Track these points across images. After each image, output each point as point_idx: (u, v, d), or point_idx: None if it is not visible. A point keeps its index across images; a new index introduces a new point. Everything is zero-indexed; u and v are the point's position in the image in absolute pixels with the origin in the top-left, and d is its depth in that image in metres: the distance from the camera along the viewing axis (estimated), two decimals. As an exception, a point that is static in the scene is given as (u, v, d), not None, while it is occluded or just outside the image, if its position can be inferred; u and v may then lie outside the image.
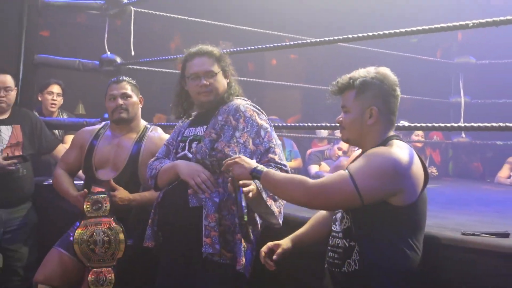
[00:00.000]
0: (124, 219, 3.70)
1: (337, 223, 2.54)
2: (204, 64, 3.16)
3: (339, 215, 2.55)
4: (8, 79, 4.66)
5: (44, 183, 4.87)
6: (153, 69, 5.70)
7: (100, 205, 3.71)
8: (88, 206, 3.72)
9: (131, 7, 5.37)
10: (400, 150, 2.38)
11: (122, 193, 3.71)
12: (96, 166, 3.98)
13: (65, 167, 4.14)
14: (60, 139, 5.42)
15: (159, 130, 4.06)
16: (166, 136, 3.82)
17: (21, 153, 4.57)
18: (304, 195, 2.37)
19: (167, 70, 5.56)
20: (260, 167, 2.54)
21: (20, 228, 4.57)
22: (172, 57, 5.01)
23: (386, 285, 2.36)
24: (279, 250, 2.81)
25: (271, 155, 3.01)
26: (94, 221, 3.66)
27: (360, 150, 2.73)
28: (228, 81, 3.24)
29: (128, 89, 3.97)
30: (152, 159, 3.34)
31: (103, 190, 3.77)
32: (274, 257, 2.81)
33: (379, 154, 2.36)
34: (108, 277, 3.60)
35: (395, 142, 2.45)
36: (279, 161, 3.01)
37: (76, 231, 3.64)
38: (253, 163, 2.59)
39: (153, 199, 3.48)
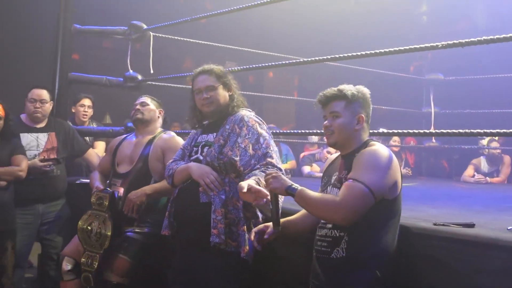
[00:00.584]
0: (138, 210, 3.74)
1: None
2: (205, 80, 3.20)
3: None
4: (44, 93, 4.68)
5: (76, 182, 4.86)
6: (168, 84, 5.71)
7: (101, 201, 3.77)
8: (94, 200, 3.81)
9: (150, 32, 5.38)
10: (384, 147, 2.46)
11: (137, 192, 3.72)
12: (118, 162, 4.02)
13: (99, 169, 4.21)
14: (90, 144, 5.42)
15: (172, 133, 4.06)
16: (176, 137, 3.95)
17: (55, 157, 4.60)
18: (336, 214, 2.32)
19: (180, 86, 5.56)
20: (295, 185, 2.47)
21: (55, 221, 4.60)
22: (184, 74, 5.02)
23: (371, 269, 2.36)
24: (269, 230, 2.78)
25: (268, 159, 2.99)
26: (95, 213, 3.76)
27: (334, 156, 2.80)
28: (231, 93, 3.25)
29: (148, 100, 4.07)
30: (170, 161, 3.36)
31: (108, 189, 3.84)
32: (265, 236, 2.79)
33: (375, 154, 2.41)
34: (93, 263, 3.68)
35: (374, 142, 2.52)
36: (276, 164, 2.99)
37: (81, 218, 3.80)
38: (288, 180, 2.53)
39: (165, 188, 3.59)
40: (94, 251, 3.73)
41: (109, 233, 3.69)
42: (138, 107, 4.04)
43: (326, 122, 2.60)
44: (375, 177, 2.33)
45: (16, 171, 4.21)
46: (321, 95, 2.62)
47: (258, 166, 2.97)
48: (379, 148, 2.44)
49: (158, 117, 4.10)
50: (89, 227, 3.76)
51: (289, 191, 2.45)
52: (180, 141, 3.91)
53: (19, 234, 4.38)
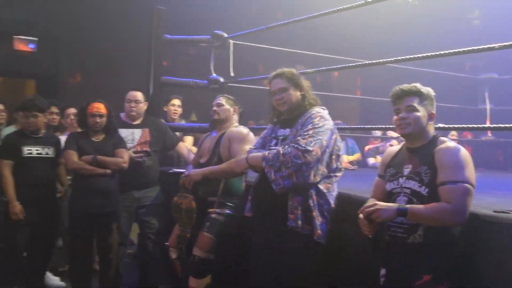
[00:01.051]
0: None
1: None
2: (277, 83, 3.22)
3: (404, 198, 2.49)
4: (139, 94, 4.78)
5: (169, 171, 4.92)
6: (246, 86, 5.74)
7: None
8: (181, 183, 3.94)
9: (230, 40, 5.40)
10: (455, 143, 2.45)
11: (196, 171, 3.88)
12: (201, 154, 4.11)
13: (193, 162, 4.30)
14: (180, 138, 5.52)
15: (241, 127, 4.05)
16: (241, 129, 3.97)
17: (147, 149, 4.69)
18: (454, 218, 2.27)
19: (256, 87, 5.58)
20: (401, 205, 2.38)
21: (150, 205, 4.68)
22: (260, 77, 5.04)
23: (446, 254, 2.33)
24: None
25: (298, 138, 2.95)
26: (183, 195, 3.89)
27: (395, 148, 2.77)
28: (302, 93, 3.22)
29: (223, 101, 4.08)
30: (252, 147, 3.39)
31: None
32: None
33: (459, 150, 2.38)
34: (186, 235, 3.86)
35: (444, 138, 2.51)
36: (301, 144, 2.92)
37: (173, 199, 3.94)
38: (390, 204, 2.43)
39: (221, 170, 3.73)
40: (185, 227, 3.85)
41: (195, 207, 3.82)
42: (215, 108, 4.07)
43: (401, 114, 2.54)
44: (469, 173, 2.31)
45: (121, 162, 4.33)
46: (397, 89, 2.58)
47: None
48: (457, 145, 2.42)
49: (233, 114, 4.10)
50: (178, 207, 3.87)
51: (400, 213, 2.35)
52: (244, 131, 3.94)
53: (121, 216, 4.52)
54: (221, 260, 3.82)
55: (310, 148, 2.89)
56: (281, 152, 2.93)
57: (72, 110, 5.32)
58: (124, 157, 4.36)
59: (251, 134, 3.97)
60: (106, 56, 7.87)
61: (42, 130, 4.45)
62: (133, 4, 7.38)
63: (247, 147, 3.62)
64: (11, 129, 5.09)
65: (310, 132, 2.95)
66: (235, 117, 4.12)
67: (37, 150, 4.35)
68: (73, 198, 4.38)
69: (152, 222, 4.67)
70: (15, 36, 8.24)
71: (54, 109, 5.35)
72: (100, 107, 4.33)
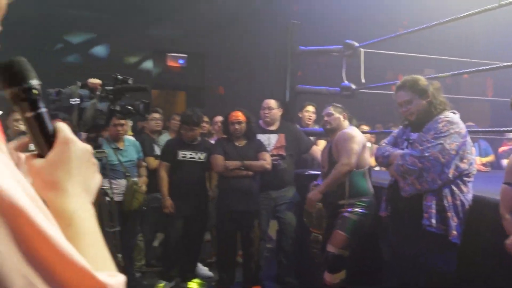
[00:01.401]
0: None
1: None
2: (401, 96, 3.18)
3: None
4: (272, 102, 5.01)
5: (304, 173, 5.03)
6: (376, 91, 5.76)
7: None
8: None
9: (361, 49, 5.46)
10: None
11: (314, 193, 3.92)
12: (323, 164, 4.20)
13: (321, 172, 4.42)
14: (314, 142, 5.63)
15: (348, 129, 4.07)
16: (350, 130, 3.99)
17: (282, 153, 4.87)
18: None
19: (386, 92, 5.58)
20: None
21: (287, 203, 4.84)
22: (389, 83, 5.05)
23: None
24: None
25: (417, 144, 2.99)
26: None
27: None
28: (429, 99, 3.13)
29: (332, 110, 4.14)
30: (384, 144, 3.44)
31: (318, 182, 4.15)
32: None
33: None
34: (318, 239, 4.03)
35: None
36: (417, 150, 2.95)
37: (304, 206, 4.11)
38: None
39: (333, 180, 3.81)
40: (317, 233, 4.03)
41: (324, 213, 3.97)
42: (325, 118, 4.15)
43: None
44: None
45: (265, 164, 4.59)
46: None
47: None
48: None
49: (343, 120, 4.15)
50: (310, 212, 4.04)
51: None
52: (350, 131, 3.97)
53: (261, 214, 4.76)
54: (355, 257, 3.88)
55: (426, 154, 2.89)
56: (400, 162, 2.98)
57: (219, 118, 5.70)
58: (267, 159, 4.61)
59: (358, 134, 4.00)
60: (246, 68, 8.28)
61: (198, 138, 4.88)
62: (270, 20, 7.70)
63: (355, 146, 3.74)
64: (166, 136, 5.65)
65: (430, 137, 2.94)
66: (346, 123, 4.16)
67: (190, 155, 4.78)
68: (219, 198, 4.75)
69: (288, 219, 4.82)
70: (168, 54, 9.00)
71: (205, 118, 5.77)
72: (238, 115, 4.61)
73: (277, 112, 5.02)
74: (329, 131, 4.16)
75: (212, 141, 5.14)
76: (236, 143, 4.65)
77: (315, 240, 4.10)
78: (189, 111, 4.88)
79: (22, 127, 4.63)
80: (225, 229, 4.65)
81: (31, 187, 0.59)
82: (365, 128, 6.56)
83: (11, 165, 0.56)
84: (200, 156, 4.81)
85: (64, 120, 3.81)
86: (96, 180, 0.81)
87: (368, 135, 6.00)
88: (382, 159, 3.30)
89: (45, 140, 0.76)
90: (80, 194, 0.75)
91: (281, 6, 8.01)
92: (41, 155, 0.76)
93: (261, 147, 4.69)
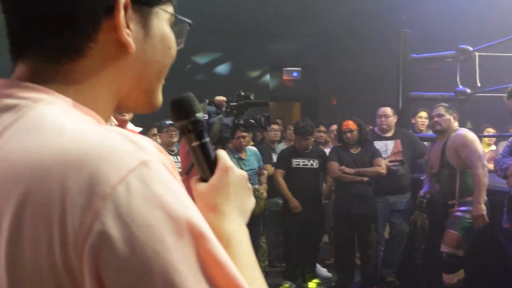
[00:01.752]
0: None
1: None
2: None
3: None
4: (388, 110, 4.98)
5: (420, 177, 4.88)
6: (491, 94, 5.47)
7: (422, 204, 4.16)
8: (418, 203, 4.23)
9: (476, 53, 5.24)
10: None
11: (477, 209, 3.68)
12: (430, 165, 4.15)
13: (427, 173, 4.39)
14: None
15: (461, 131, 3.96)
16: (465, 132, 3.87)
17: (400, 158, 4.84)
18: None
19: (502, 95, 5.28)
20: None
21: (402, 210, 4.80)
22: (505, 86, 4.76)
23: None
24: None
25: None
26: (419, 214, 4.18)
27: None
28: None
29: (442, 111, 4.04)
30: (500, 155, 3.31)
31: (426, 195, 4.17)
32: None
33: None
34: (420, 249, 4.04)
35: None
36: None
37: (410, 218, 4.25)
38: None
39: (482, 190, 3.62)
40: (420, 244, 4.06)
41: (427, 226, 4.00)
42: (436, 119, 4.05)
43: None
44: None
45: (380, 170, 4.59)
46: None
47: None
48: None
49: (453, 122, 4.03)
50: (415, 223, 4.04)
51: None
52: (466, 134, 3.85)
53: (378, 218, 4.75)
54: (473, 256, 3.77)
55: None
56: None
57: (334, 127, 5.77)
58: (381, 165, 4.61)
59: (472, 134, 3.89)
60: (358, 77, 8.25)
61: (310, 146, 5.00)
62: (380, 30, 7.63)
63: (479, 148, 3.63)
64: (282, 145, 5.83)
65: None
66: (456, 124, 4.05)
67: (303, 162, 4.92)
68: (336, 202, 4.82)
69: (402, 227, 4.77)
70: (284, 68, 9.27)
71: (322, 128, 5.84)
72: (349, 124, 4.66)
73: (392, 119, 5.01)
74: (439, 132, 4.10)
75: (328, 149, 5.21)
76: (351, 150, 4.70)
77: (418, 250, 4.11)
78: (301, 121, 5.01)
79: (159, 141, 5.28)
80: (342, 232, 4.71)
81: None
82: (491, 130, 6.22)
83: (186, 193, 0.59)
84: (313, 163, 4.93)
85: (196, 134, 4.17)
86: (251, 204, 0.84)
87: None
88: (500, 172, 3.20)
89: (208, 167, 0.80)
90: (236, 217, 0.78)
91: (391, 15, 7.88)
92: (204, 180, 0.81)
93: (376, 153, 4.70)
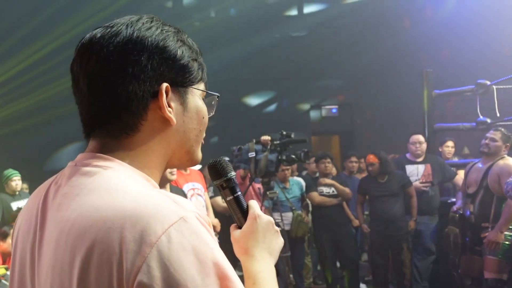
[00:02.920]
0: None
1: None
2: None
3: None
4: (420, 137, 4.99)
5: (448, 201, 4.84)
6: (511, 123, 5.32)
7: (454, 218, 4.08)
8: (451, 217, 4.10)
9: (494, 86, 5.17)
10: None
11: (493, 236, 3.57)
12: (468, 184, 4.03)
13: (461, 190, 4.26)
14: (456, 172, 5.35)
15: (509, 160, 3.78)
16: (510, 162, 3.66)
17: (431, 180, 4.81)
18: None
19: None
20: None
21: (426, 230, 4.72)
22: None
23: None
24: None
25: None
26: (451, 228, 4.08)
27: None
28: None
29: (497, 137, 3.87)
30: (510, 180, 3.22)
31: (459, 211, 4.01)
32: None
33: None
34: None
35: None
36: None
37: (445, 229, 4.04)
38: None
39: (508, 218, 3.45)
40: (454, 257, 3.94)
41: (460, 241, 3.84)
42: (487, 141, 3.87)
43: None
44: None
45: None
46: None
47: None
48: None
49: (504, 150, 3.88)
50: (449, 237, 3.93)
51: None
52: None
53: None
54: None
55: None
56: None
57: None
58: (413, 195, 4.64)
59: None
60: (388, 112, 8.25)
61: (331, 175, 5.02)
62: (405, 70, 7.64)
63: None
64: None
65: None
66: (505, 153, 3.89)
67: (326, 190, 4.91)
68: (370, 224, 4.82)
69: (429, 247, 4.70)
70: (322, 107, 9.41)
71: (353, 158, 5.86)
72: (370, 158, 4.72)
73: (424, 146, 4.99)
74: (485, 154, 3.91)
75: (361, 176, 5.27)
76: (379, 179, 4.72)
77: (452, 261, 3.99)
78: (323, 152, 5.11)
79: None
80: (377, 251, 4.69)
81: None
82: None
83: (216, 242, 0.65)
84: (334, 191, 4.94)
85: (244, 169, 4.33)
86: (279, 244, 0.89)
87: None
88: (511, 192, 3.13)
89: (242, 215, 0.87)
90: (264, 258, 0.84)
91: (414, 57, 7.89)
92: (240, 227, 0.88)
93: (407, 184, 4.68)
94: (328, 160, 4.96)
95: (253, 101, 9.33)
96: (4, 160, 5.72)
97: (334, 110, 9.42)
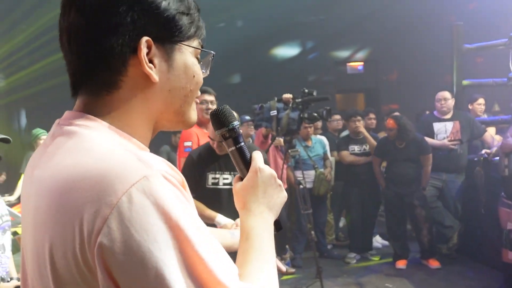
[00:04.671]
0: None
1: None
2: None
3: None
4: (446, 94, 4.86)
5: (475, 159, 4.70)
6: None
7: None
8: None
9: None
10: None
11: None
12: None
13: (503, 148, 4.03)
14: (485, 129, 5.11)
15: None
16: None
17: (459, 138, 4.71)
18: None
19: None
20: None
21: (454, 188, 4.68)
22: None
23: None
24: None
25: None
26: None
27: None
28: None
29: None
30: None
31: None
32: None
33: None
34: None
35: None
36: None
37: None
38: None
39: None
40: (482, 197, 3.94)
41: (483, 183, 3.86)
42: None
43: None
44: None
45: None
46: None
47: None
48: None
49: None
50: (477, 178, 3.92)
51: None
52: None
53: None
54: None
55: None
56: None
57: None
58: (427, 165, 4.56)
59: None
60: (414, 68, 8.00)
61: (360, 133, 4.99)
62: (433, 24, 7.34)
63: None
64: (346, 132, 5.79)
65: None
66: None
67: (358, 148, 4.94)
68: (387, 184, 4.77)
69: (452, 204, 4.67)
70: (347, 64, 9.19)
71: (372, 115, 5.70)
72: (389, 123, 4.63)
73: (451, 102, 4.86)
74: None
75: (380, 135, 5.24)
76: (397, 144, 4.65)
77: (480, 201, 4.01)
78: (353, 109, 5.10)
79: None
80: (393, 214, 4.72)
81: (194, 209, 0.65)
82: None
83: (182, 201, 0.62)
84: (365, 148, 4.98)
85: (266, 128, 4.31)
86: (281, 199, 0.85)
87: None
88: None
89: (244, 167, 0.84)
90: (262, 213, 0.80)
91: (443, 10, 7.54)
92: (242, 179, 0.85)
93: (423, 150, 4.58)
94: (359, 118, 4.96)
95: (277, 58, 9.19)
96: (35, 120, 5.87)
97: (360, 68, 9.19)
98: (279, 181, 0.85)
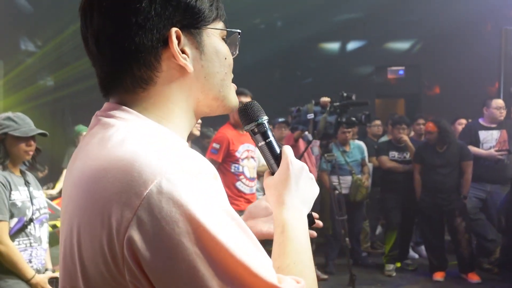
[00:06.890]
0: None
1: None
2: None
3: None
4: (502, 102, 4.66)
5: None
6: None
7: None
8: None
9: None
10: None
11: None
12: None
13: None
14: None
15: None
16: None
17: (507, 148, 4.50)
18: None
19: None
20: None
21: (497, 200, 4.49)
22: None
23: None
24: None
25: None
26: None
27: None
28: None
29: None
30: None
31: None
32: None
33: None
34: None
35: None
36: None
37: None
38: None
39: None
40: None
41: None
42: None
43: None
44: None
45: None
46: None
47: None
48: None
49: None
50: None
51: None
52: None
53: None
54: None
55: None
56: None
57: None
58: (468, 172, 4.38)
59: None
60: (459, 73, 7.74)
61: (405, 142, 4.85)
62: (479, 29, 7.10)
63: None
64: (385, 138, 5.70)
65: None
66: None
67: (398, 155, 4.82)
68: (423, 193, 4.59)
69: (495, 216, 4.48)
70: (388, 68, 8.99)
71: (421, 121, 5.58)
72: (428, 126, 4.50)
73: (504, 111, 4.66)
74: None
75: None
76: (437, 148, 4.50)
77: None
78: (397, 115, 4.93)
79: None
80: (430, 227, 4.58)
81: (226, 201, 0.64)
82: None
83: (207, 193, 0.61)
84: (406, 156, 4.84)
85: (302, 131, 4.28)
86: (313, 191, 0.84)
87: None
88: None
89: (274, 161, 0.84)
90: (296, 206, 0.79)
91: (492, 14, 7.25)
92: (273, 174, 0.84)
93: (465, 157, 4.42)
94: (404, 126, 4.86)
95: (315, 61, 9.11)
96: (78, 117, 6.05)
97: (401, 72, 8.96)
98: (311, 174, 0.85)
